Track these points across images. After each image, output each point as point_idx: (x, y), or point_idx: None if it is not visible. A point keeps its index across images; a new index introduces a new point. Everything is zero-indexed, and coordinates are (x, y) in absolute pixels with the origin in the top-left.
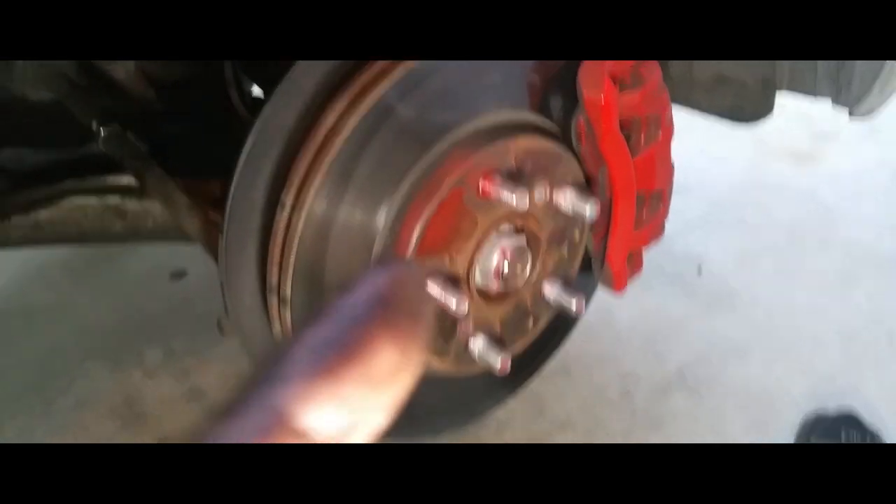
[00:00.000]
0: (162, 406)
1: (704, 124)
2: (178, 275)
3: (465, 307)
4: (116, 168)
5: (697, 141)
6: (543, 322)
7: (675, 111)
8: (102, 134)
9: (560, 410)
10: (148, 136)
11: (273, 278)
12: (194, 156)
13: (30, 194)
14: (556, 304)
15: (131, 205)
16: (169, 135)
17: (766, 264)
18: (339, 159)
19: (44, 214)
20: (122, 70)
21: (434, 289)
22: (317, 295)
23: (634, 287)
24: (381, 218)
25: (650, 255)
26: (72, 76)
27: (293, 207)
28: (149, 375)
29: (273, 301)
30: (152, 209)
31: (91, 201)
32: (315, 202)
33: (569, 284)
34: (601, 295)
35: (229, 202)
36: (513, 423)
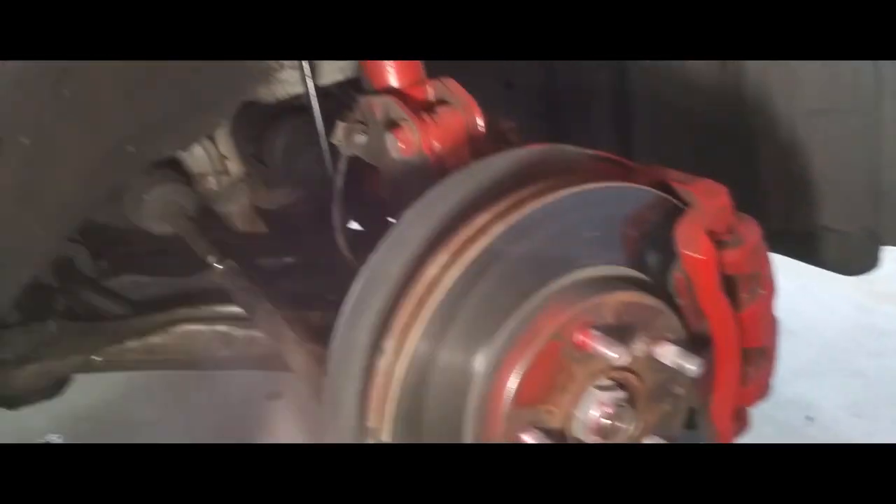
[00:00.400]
0: None
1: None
2: (274, 396)
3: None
4: (226, 298)
5: (802, 282)
6: None
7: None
8: (218, 268)
9: None
10: (258, 268)
11: (370, 423)
12: (299, 286)
13: (144, 320)
14: None
15: (238, 333)
16: (276, 267)
17: (885, 416)
18: (439, 309)
19: (156, 339)
20: (236, 206)
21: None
22: (414, 439)
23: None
24: (479, 364)
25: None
26: (190, 212)
27: (394, 352)
28: None
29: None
30: (258, 338)
31: (201, 328)
32: (416, 348)
33: (672, 441)
34: None
35: (334, 343)
36: None
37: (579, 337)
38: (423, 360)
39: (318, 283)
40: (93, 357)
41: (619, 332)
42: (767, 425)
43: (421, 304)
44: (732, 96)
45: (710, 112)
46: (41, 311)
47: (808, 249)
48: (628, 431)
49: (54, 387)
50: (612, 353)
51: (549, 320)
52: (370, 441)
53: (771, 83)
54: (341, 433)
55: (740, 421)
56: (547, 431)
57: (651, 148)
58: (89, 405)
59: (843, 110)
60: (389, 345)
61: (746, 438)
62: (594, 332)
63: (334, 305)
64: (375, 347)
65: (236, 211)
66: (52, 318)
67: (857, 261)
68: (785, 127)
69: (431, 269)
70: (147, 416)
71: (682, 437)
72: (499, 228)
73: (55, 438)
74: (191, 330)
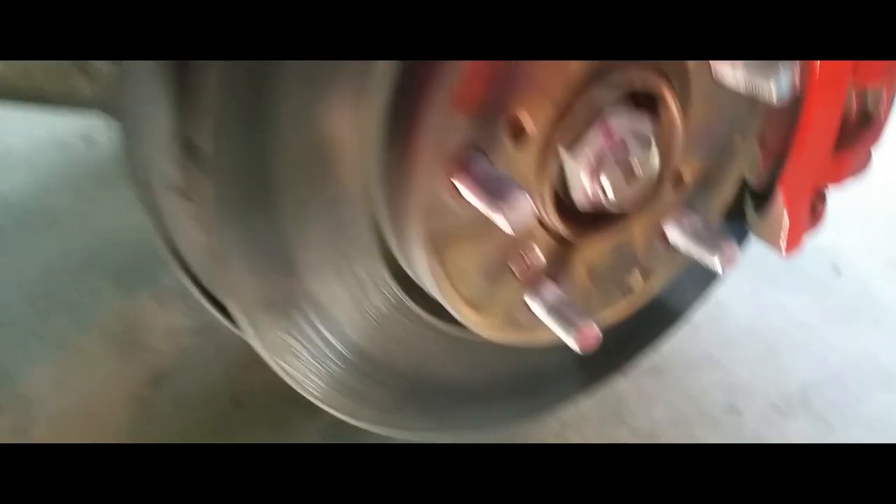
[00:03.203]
0: (165, 338)
1: None
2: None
3: (521, 214)
4: None
5: None
6: (657, 283)
7: None
8: None
9: (644, 419)
10: None
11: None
12: None
13: None
14: (686, 255)
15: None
16: None
17: None
18: None
19: None
20: None
21: (474, 181)
22: (254, 158)
23: (753, 279)
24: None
25: None
26: None
27: None
28: (160, 303)
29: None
30: None
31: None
32: None
33: (710, 224)
34: None
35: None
36: (582, 427)
37: None
38: None
39: None
40: None
41: None
42: (791, 276)
43: None
44: None
45: None
46: None
47: None
48: (644, 191)
49: None
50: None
51: None
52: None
53: None
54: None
55: (816, 213)
56: (497, 168)
57: None
58: (7, 189)
59: None
60: None
61: (761, 281)
62: None
63: None
64: None
65: None
66: None
67: None
68: None
69: None
70: (65, 206)
71: (718, 226)
72: None
73: None
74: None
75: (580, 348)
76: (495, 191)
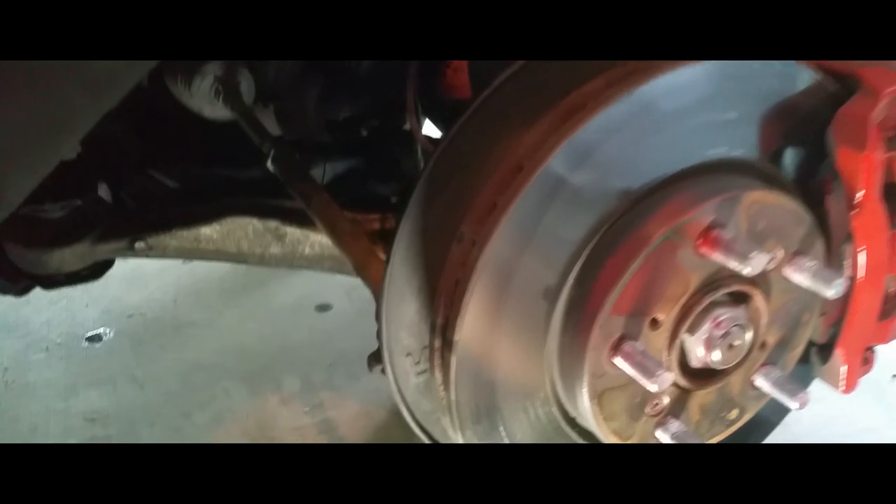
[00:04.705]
0: (293, 434)
1: None
2: (324, 308)
3: (664, 384)
4: (281, 193)
5: None
6: (747, 417)
7: None
8: (272, 153)
9: None
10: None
11: (439, 318)
12: (358, 191)
13: (194, 209)
14: (769, 397)
15: (291, 230)
16: (336, 169)
17: None
18: (531, 191)
19: (205, 230)
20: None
21: (627, 359)
22: (487, 346)
23: (820, 389)
24: (572, 268)
25: None
26: (247, 95)
27: (473, 242)
28: (284, 403)
29: (436, 343)
30: (311, 236)
31: (252, 222)
32: (499, 235)
33: (787, 374)
34: None
35: (398, 228)
36: None
37: (704, 238)
38: (505, 254)
39: (380, 188)
40: (137, 242)
41: (751, 239)
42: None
43: (510, 186)
44: None
45: None
46: (83, 191)
47: None
48: (740, 356)
49: (94, 270)
50: (741, 264)
51: (669, 215)
52: (435, 340)
53: None
54: (399, 330)
55: (867, 362)
56: (642, 349)
57: None
58: (139, 303)
59: None
60: (468, 231)
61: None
62: (721, 235)
63: (395, 210)
64: (451, 233)
65: (302, 104)
66: (95, 199)
67: None
68: None
69: (522, 148)
70: (195, 318)
71: (793, 372)
72: (610, 96)
73: (106, 333)
74: (241, 222)
75: None
76: (646, 368)
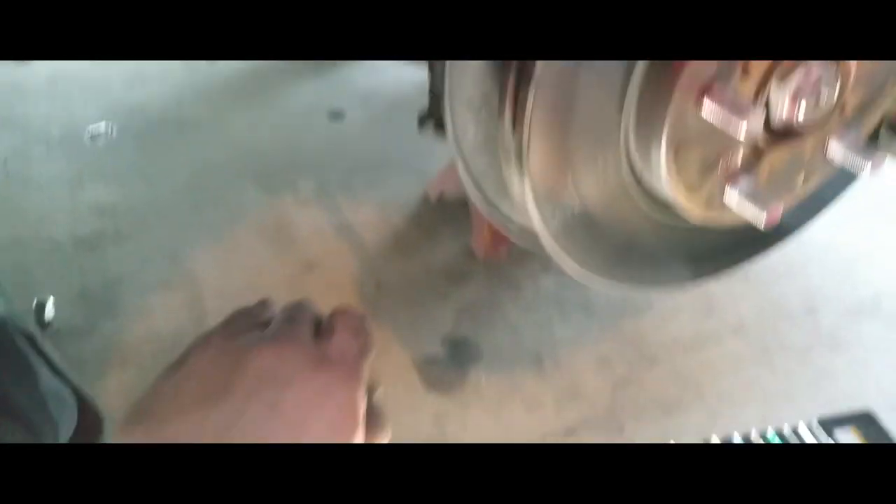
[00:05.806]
0: (312, 235)
1: None
2: (337, 115)
3: (755, 124)
4: None
5: None
6: (813, 184)
7: None
8: None
9: (732, 314)
10: None
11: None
12: None
13: None
14: (839, 165)
15: None
16: None
17: None
18: None
19: None
20: None
21: (717, 98)
22: (564, 87)
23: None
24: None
25: None
26: None
27: None
28: (300, 204)
29: (510, 81)
30: None
31: None
32: None
33: (861, 140)
34: None
35: None
36: (679, 317)
37: None
38: None
39: None
40: None
41: None
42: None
43: None
44: None
45: None
46: None
47: None
48: (823, 114)
49: None
50: None
51: None
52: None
53: None
54: (465, 75)
55: None
56: (733, 96)
57: None
58: (142, 103)
59: None
60: None
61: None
62: None
63: None
64: None
65: None
66: None
67: None
68: None
69: None
70: (202, 119)
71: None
72: None
73: (100, 127)
74: None
75: (766, 225)
76: (738, 106)
